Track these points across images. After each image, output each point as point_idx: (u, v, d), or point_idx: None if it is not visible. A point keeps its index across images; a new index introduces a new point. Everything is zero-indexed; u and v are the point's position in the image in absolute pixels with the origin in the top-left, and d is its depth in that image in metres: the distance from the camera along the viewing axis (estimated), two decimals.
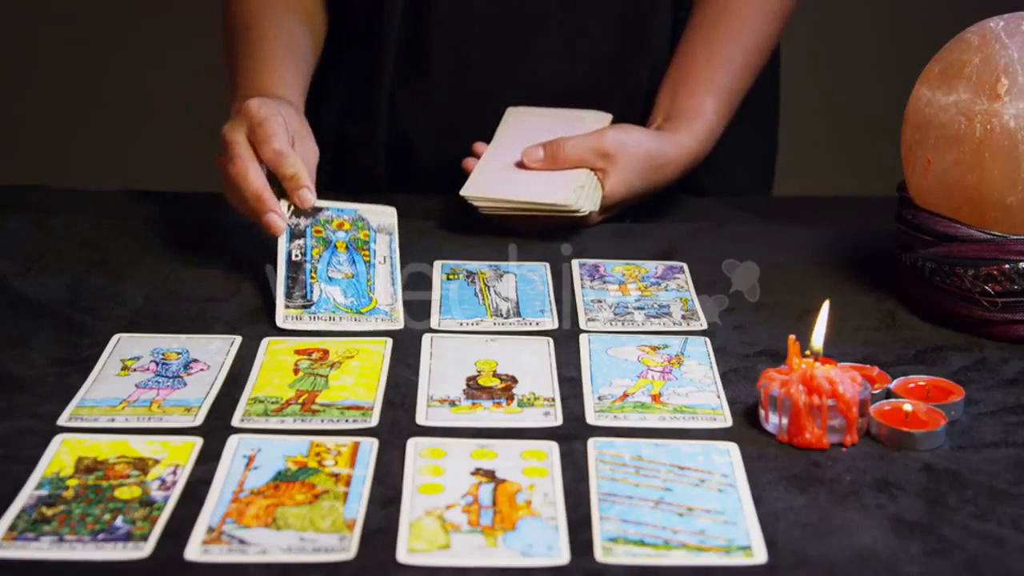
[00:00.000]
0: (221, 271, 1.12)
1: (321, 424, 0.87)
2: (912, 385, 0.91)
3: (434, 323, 1.03)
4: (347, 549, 0.73)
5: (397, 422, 0.87)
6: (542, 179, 1.19)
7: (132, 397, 0.90)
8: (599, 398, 0.90)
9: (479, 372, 0.94)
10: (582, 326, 1.02)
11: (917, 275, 1.03)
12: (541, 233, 1.19)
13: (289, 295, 1.03)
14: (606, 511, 0.77)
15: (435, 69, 1.34)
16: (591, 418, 0.88)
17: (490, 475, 0.80)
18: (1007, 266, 0.97)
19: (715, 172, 1.38)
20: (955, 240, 0.99)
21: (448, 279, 1.10)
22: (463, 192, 1.17)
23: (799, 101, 1.78)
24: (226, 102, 1.19)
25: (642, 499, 0.78)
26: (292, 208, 1.08)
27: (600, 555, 0.73)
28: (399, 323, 1.02)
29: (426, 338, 1.00)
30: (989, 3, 1.24)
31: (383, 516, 0.76)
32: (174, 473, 0.81)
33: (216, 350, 0.97)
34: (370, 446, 0.84)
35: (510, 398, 0.90)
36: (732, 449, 0.84)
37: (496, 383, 0.93)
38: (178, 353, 0.97)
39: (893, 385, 0.91)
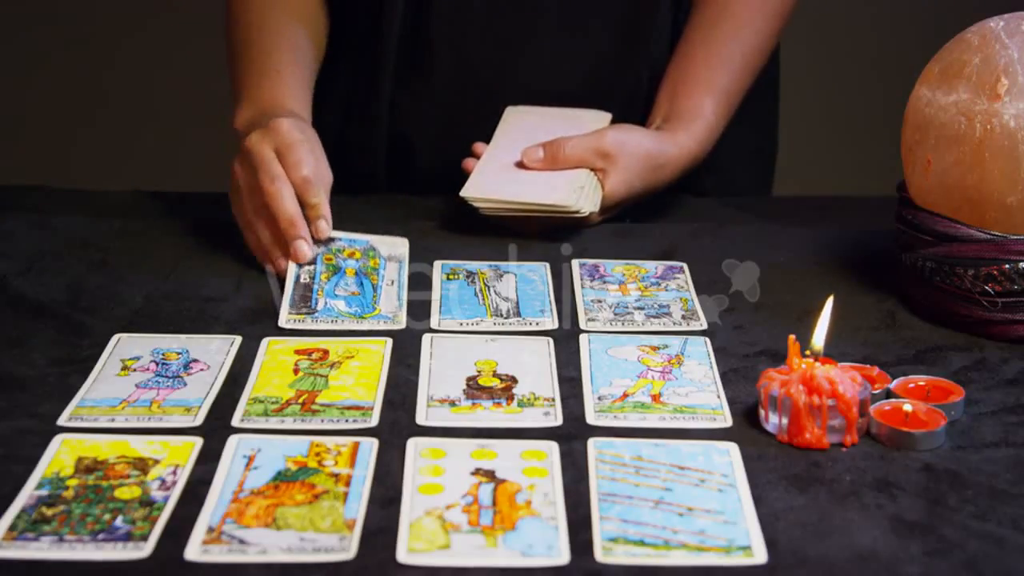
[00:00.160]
0: (221, 271, 1.12)
1: (321, 424, 0.87)
2: (912, 385, 0.91)
3: (434, 323, 1.03)
4: (347, 549, 0.73)
5: (397, 422, 0.87)
6: (542, 180, 1.19)
7: (132, 397, 0.90)
8: (599, 398, 0.91)
9: (479, 372, 0.94)
10: (582, 326, 1.02)
11: (917, 275, 1.03)
12: (541, 233, 1.19)
13: (294, 305, 1.04)
14: (606, 511, 0.77)
15: (435, 69, 1.34)
16: (591, 418, 0.88)
17: (490, 475, 0.80)
18: (1007, 266, 0.97)
19: (715, 172, 1.38)
20: (955, 240, 0.99)
21: (448, 279, 1.10)
22: (463, 193, 1.17)
23: (799, 101, 1.78)
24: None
25: (642, 499, 0.78)
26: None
27: (600, 555, 0.73)
28: (401, 324, 1.02)
29: (426, 338, 1.00)
30: (989, 3, 1.24)
31: (383, 516, 0.76)
32: (174, 473, 0.81)
33: (216, 350, 0.97)
34: (370, 446, 0.84)
35: (510, 398, 0.90)
36: (732, 449, 0.84)
37: (496, 383, 0.93)
38: (178, 353, 0.97)
39: (893, 385, 0.91)
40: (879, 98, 2.12)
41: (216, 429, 0.86)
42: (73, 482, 0.80)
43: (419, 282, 1.10)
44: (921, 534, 0.75)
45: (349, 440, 0.84)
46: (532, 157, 1.20)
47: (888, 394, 0.90)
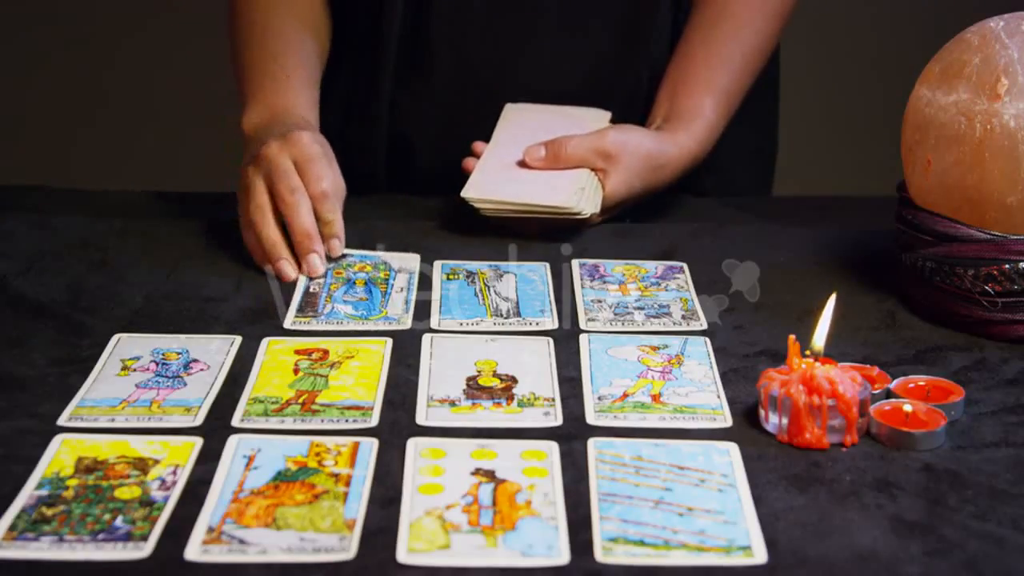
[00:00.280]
0: (221, 271, 1.12)
1: (321, 424, 0.87)
2: (912, 385, 0.91)
3: (434, 323, 1.03)
4: (347, 549, 0.73)
5: (397, 422, 0.87)
6: (543, 180, 1.19)
7: (132, 397, 0.90)
8: (599, 398, 0.90)
9: (479, 372, 0.94)
10: (582, 326, 1.02)
11: (917, 275, 1.03)
12: (541, 234, 1.19)
13: (300, 311, 1.04)
14: (606, 511, 0.77)
15: (435, 69, 1.34)
16: (591, 418, 0.88)
17: (490, 475, 0.80)
18: (1007, 266, 0.97)
19: (715, 172, 1.38)
20: (955, 240, 0.99)
21: (448, 279, 1.10)
22: (464, 194, 1.17)
23: (799, 101, 1.78)
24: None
25: (642, 499, 0.78)
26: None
27: (600, 555, 0.73)
28: (406, 325, 1.02)
29: (426, 338, 1.00)
30: (989, 3, 1.24)
31: (383, 516, 0.76)
32: (174, 473, 0.81)
33: (216, 350, 0.97)
34: (370, 446, 0.84)
35: (510, 398, 0.90)
36: (732, 449, 0.84)
37: (496, 383, 0.93)
38: (178, 353, 0.97)
39: (893, 385, 0.91)
40: (879, 98, 2.12)
41: (216, 429, 0.86)
42: (73, 482, 0.80)
43: (419, 282, 1.10)
44: (921, 534, 0.75)
45: (349, 440, 0.84)
46: (534, 156, 1.20)
47: (888, 394, 0.90)
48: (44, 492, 0.79)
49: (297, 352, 0.97)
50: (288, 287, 1.08)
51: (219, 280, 1.10)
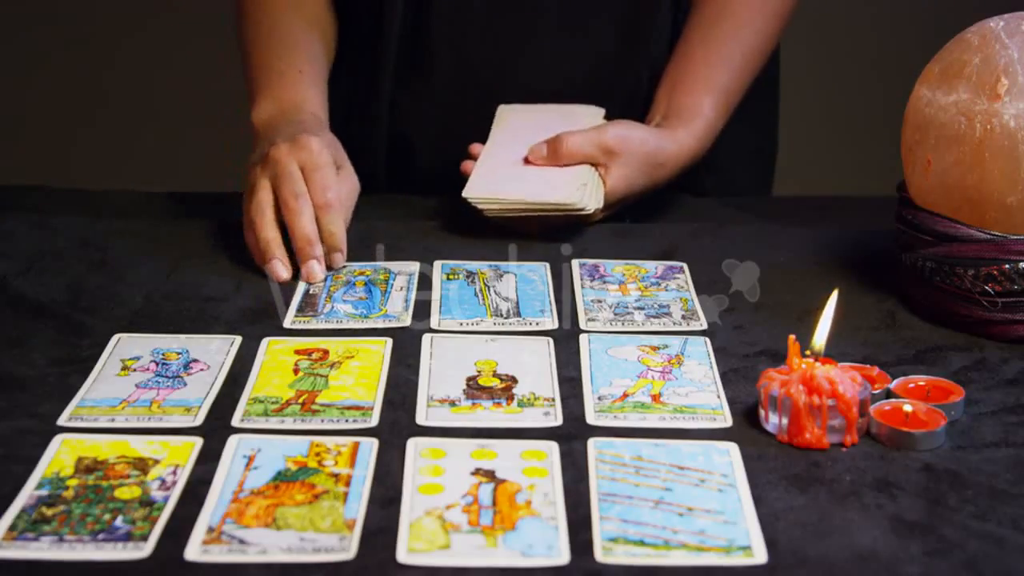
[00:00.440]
0: (221, 271, 1.12)
1: (321, 424, 0.87)
2: (912, 385, 0.91)
3: (434, 323, 1.03)
4: (347, 549, 0.73)
5: (397, 422, 0.87)
6: (543, 178, 1.19)
7: (132, 397, 0.90)
8: (599, 398, 0.90)
9: (479, 372, 0.94)
10: (582, 326, 1.02)
11: (917, 275, 1.03)
12: (542, 232, 1.19)
13: (300, 311, 1.04)
14: (606, 511, 0.77)
15: (435, 69, 1.34)
16: (591, 418, 0.88)
17: (490, 475, 0.80)
18: (1007, 266, 0.97)
19: (715, 172, 1.38)
20: (955, 240, 0.99)
21: (448, 279, 1.10)
22: (465, 194, 1.17)
23: (799, 101, 1.78)
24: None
25: (642, 499, 0.78)
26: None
27: (600, 555, 0.73)
28: (405, 323, 1.02)
29: (426, 338, 1.00)
30: (989, 3, 1.24)
31: (383, 516, 0.76)
32: (174, 473, 0.81)
33: (216, 350, 0.97)
34: (370, 446, 0.84)
35: (510, 398, 0.90)
36: (732, 449, 0.84)
37: (496, 383, 0.93)
38: (178, 353, 0.97)
39: (893, 385, 0.91)
40: (879, 98, 2.12)
41: (216, 429, 0.86)
42: (73, 482, 0.80)
43: (419, 282, 1.10)
44: (921, 534, 0.75)
45: (349, 440, 0.84)
46: (536, 154, 1.20)
47: (888, 394, 0.90)
48: (44, 492, 0.79)
49: (297, 352, 0.97)
50: (288, 287, 1.08)
51: (219, 280, 1.10)
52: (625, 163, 1.20)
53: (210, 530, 0.75)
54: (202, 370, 0.94)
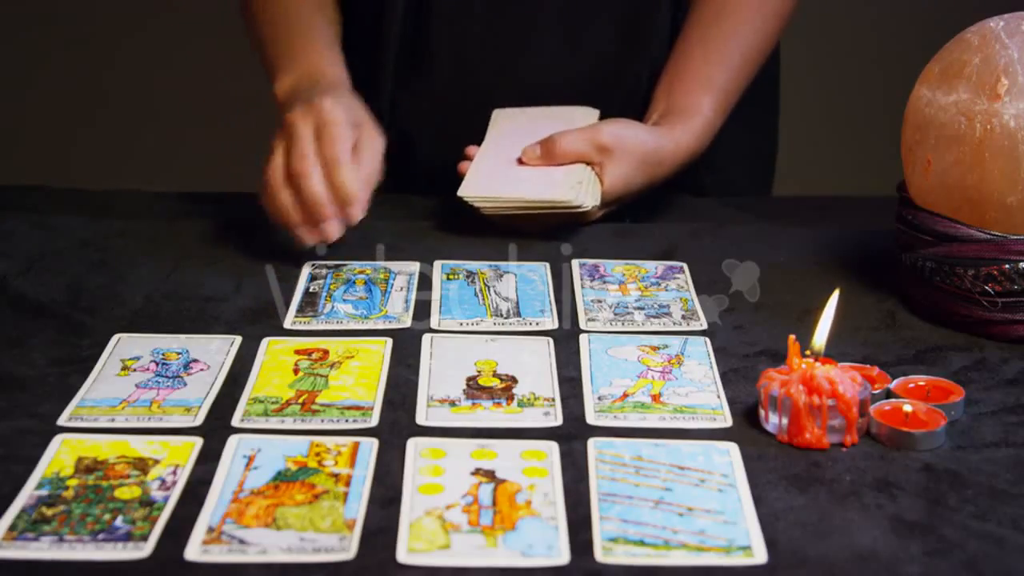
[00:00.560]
0: (221, 271, 1.12)
1: (321, 424, 0.87)
2: (912, 385, 0.91)
3: (434, 323, 1.03)
4: (347, 549, 0.73)
5: (397, 422, 0.87)
6: (539, 176, 1.19)
7: (132, 397, 0.90)
8: (599, 398, 0.90)
9: (479, 372, 0.94)
10: (582, 326, 1.02)
11: (917, 275, 1.03)
12: (542, 232, 1.19)
13: (300, 311, 1.04)
14: (606, 511, 0.77)
15: (435, 69, 1.34)
16: (591, 418, 0.88)
17: (490, 475, 0.80)
18: (1007, 266, 0.97)
19: (715, 171, 1.38)
20: (955, 240, 0.99)
21: (448, 279, 1.10)
22: (460, 193, 1.17)
23: (799, 101, 1.78)
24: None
25: (642, 499, 0.78)
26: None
27: (600, 555, 0.73)
28: (405, 323, 1.02)
29: (426, 338, 1.00)
30: (989, 3, 1.24)
31: (383, 516, 0.76)
32: (174, 473, 0.81)
33: (216, 350, 0.97)
34: (370, 446, 0.84)
35: (510, 398, 0.90)
36: (732, 449, 0.84)
37: (496, 383, 0.93)
38: (178, 353, 0.97)
39: (893, 385, 0.91)
40: (879, 98, 2.12)
41: (216, 429, 0.86)
42: (73, 482, 0.80)
43: (419, 282, 1.10)
44: (921, 534, 0.75)
45: (349, 440, 0.84)
46: (530, 155, 1.20)
47: (888, 394, 0.90)
48: (44, 492, 0.79)
49: (297, 352, 0.97)
50: (288, 287, 1.08)
51: (219, 280, 1.10)
52: (622, 161, 1.19)
53: (210, 530, 0.75)
54: (202, 370, 0.94)
